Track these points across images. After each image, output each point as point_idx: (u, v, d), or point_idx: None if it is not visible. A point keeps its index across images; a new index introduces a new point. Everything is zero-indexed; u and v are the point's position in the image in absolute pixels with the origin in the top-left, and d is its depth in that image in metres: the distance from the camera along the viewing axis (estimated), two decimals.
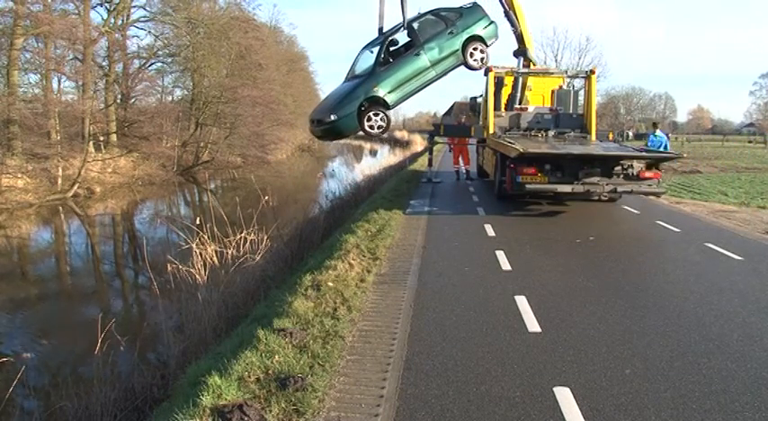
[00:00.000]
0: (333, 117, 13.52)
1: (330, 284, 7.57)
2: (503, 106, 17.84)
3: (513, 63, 17.88)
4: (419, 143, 54.63)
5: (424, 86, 14.49)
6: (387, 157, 43.84)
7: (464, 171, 22.04)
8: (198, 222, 12.01)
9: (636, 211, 14.52)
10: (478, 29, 14.65)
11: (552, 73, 20.25)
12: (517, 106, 17.58)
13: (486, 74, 16.80)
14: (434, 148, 24.59)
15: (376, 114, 13.61)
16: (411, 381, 5.01)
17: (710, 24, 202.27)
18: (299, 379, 4.83)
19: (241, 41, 41.61)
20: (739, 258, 9.69)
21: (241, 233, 12.19)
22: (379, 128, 13.77)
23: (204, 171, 37.04)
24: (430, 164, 22.67)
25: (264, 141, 44.55)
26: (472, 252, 10.06)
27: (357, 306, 6.90)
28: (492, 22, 14.99)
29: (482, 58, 14.74)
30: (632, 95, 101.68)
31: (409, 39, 14.54)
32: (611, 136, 18.39)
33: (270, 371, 5.03)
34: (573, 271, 8.76)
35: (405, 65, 13.94)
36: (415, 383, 4.97)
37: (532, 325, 6.31)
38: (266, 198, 13.65)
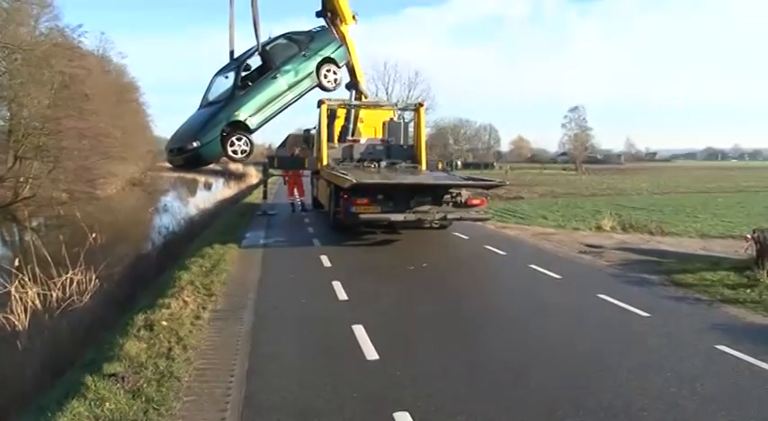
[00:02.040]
0: (195, 144, 13.00)
1: (164, 323, 7.20)
2: (336, 138, 18.01)
3: (345, 95, 18.19)
4: (254, 175, 53.98)
5: (284, 109, 14.38)
6: (222, 190, 42.95)
7: (299, 202, 21.97)
8: (17, 264, 11.00)
9: (465, 237, 15.17)
10: (330, 51, 14.86)
11: (383, 105, 20.84)
12: (350, 138, 17.84)
13: (318, 106, 16.96)
14: (269, 181, 24.38)
15: (239, 139, 13.31)
16: (251, 419, 4.85)
17: (529, 62, 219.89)
18: None
19: (65, 70, 39.00)
20: (558, 277, 10.39)
21: (67, 273, 11.30)
22: (242, 152, 13.45)
23: (25, 208, 34.08)
24: (265, 196, 22.41)
25: (92, 176, 41.87)
26: (309, 283, 9.99)
27: (193, 344, 6.61)
28: (341, 44, 15.30)
29: (335, 80, 14.95)
30: (460, 126, 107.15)
31: (264, 62, 14.39)
32: (440, 166, 19.11)
33: None
34: (408, 297, 8.95)
35: (263, 88, 13.78)
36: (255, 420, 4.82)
37: (370, 353, 6.33)
38: (94, 235, 12.77)
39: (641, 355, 6.32)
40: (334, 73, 14.88)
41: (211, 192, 46.89)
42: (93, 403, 4.94)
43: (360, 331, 7.05)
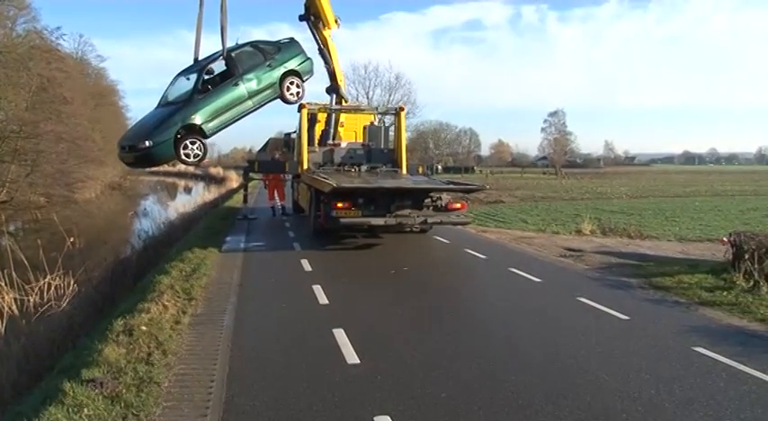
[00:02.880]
0: (148, 143, 12.91)
1: (143, 328, 7.13)
2: (316, 142, 17.96)
3: (326, 99, 18.17)
4: (234, 180, 53.74)
5: (241, 117, 14.31)
6: (202, 194, 42.58)
7: (279, 207, 21.90)
8: None
9: (446, 241, 15.20)
10: (295, 64, 14.84)
11: (364, 110, 20.86)
12: (330, 142, 17.81)
13: (299, 110, 16.92)
14: (250, 185, 24.27)
15: (193, 143, 13.23)
16: None
17: (509, 67, 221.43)
18: None
19: (43, 73, 38.58)
20: (538, 280, 10.45)
21: (45, 278, 11.16)
22: (195, 156, 13.39)
23: (1, 212, 33.62)
24: (245, 200, 22.31)
25: (71, 179, 41.45)
26: (289, 288, 9.96)
27: (173, 349, 6.56)
28: (308, 58, 15.25)
29: (298, 93, 14.89)
30: (440, 131, 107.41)
31: (227, 68, 14.30)
32: (420, 170, 19.14)
33: None
34: (389, 301, 8.94)
35: (223, 94, 13.69)
36: None
37: (351, 357, 6.32)
38: (71, 239, 12.61)
39: (620, 358, 6.37)
40: (298, 86, 14.91)
41: (191, 196, 46.54)
42: (70, 409, 4.88)
43: (340, 335, 7.03)
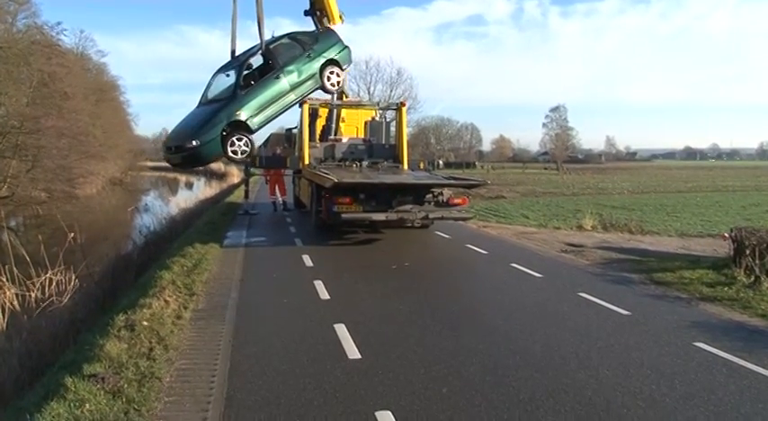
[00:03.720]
0: (195, 143, 12.77)
1: (145, 323, 7.15)
2: (317, 137, 17.99)
3: (327, 95, 18.13)
4: (236, 175, 53.77)
5: (284, 110, 14.23)
6: (203, 190, 42.68)
7: (281, 202, 21.93)
8: None
9: (447, 236, 15.21)
10: (334, 53, 14.70)
11: (365, 105, 20.79)
12: (331, 137, 17.82)
13: (300, 105, 16.90)
14: (251, 180, 24.28)
15: (239, 139, 13.09)
16: (233, 419, 4.83)
17: (510, 61, 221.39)
18: None
19: (44, 68, 38.48)
20: (539, 276, 10.46)
21: (46, 274, 11.16)
22: (242, 152, 13.24)
23: (2, 207, 33.59)
24: (247, 196, 22.34)
25: (72, 175, 41.37)
26: (291, 283, 9.96)
27: (174, 344, 6.57)
28: (346, 46, 15.11)
29: (338, 82, 14.79)
30: (441, 126, 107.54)
31: (267, 62, 14.15)
32: (422, 165, 19.11)
33: None
34: (390, 296, 8.95)
35: (265, 88, 13.56)
36: (236, 420, 4.80)
37: (352, 352, 6.33)
38: (73, 235, 12.60)
39: (621, 353, 6.38)
40: (338, 75, 14.72)
41: (193, 192, 46.60)
42: (72, 404, 4.89)
43: (342, 330, 7.05)
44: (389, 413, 4.85)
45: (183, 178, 72.85)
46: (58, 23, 49.02)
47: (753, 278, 9.37)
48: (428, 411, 4.91)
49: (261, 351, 6.46)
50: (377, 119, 18.98)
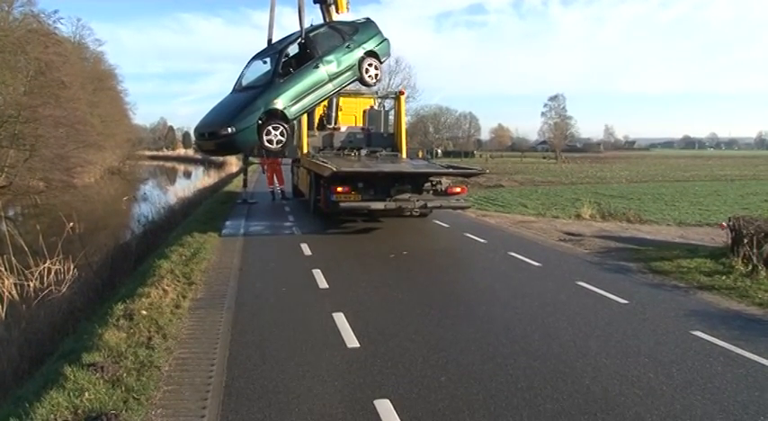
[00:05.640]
0: (231, 130, 12.46)
1: (144, 312, 7.16)
2: (316, 126, 17.93)
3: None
4: (234, 164, 53.73)
5: (322, 100, 14.06)
6: (201, 179, 42.60)
7: (279, 191, 21.90)
8: None
9: (446, 225, 15.21)
10: (373, 44, 14.42)
11: (363, 94, 20.73)
12: (330, 126, 17.77)
13: None
14: (249, 169, 24.26)
15: (275, 128, 12.75)
16: (232, 407, 4.84)
17: (510, 50, 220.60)
18: (111, 415, 4.51)
19: (41, 57, 38.32)
20: (538, 264, 10.48)
21: (45, 263, 11.17)
22: (278, 142, 12.93)
23: (0, 197, 33.59)
24: (245, 184, 22.30)
25: (70, 164, 41.29)
26: (289, 272, 9.98)
27: (173, 333, 6.59)
28: (385, 38, 14.84)
29: (376, 75, 14.51)
30: (440, 115, 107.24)
31: (305, 50, 13.89)
32: (420, 154, 19.14)
33: (79, 411, 4.66)
34: (388, 285, 8.96)
35: (304, 77, 13.24)
36: (236, 409, 4.81)
37: (351, 341, 6.35)
38: (71, 224, 12.58)
39: (619, 341, 6.40)
40: (376, 68, 14.41)
41: (191, 181, 46.54)
42: (71, 393, 4.90)
43: (340, 319, 7.06)
44: (388, 401, 4.87)
45: (181, 167, 72.93)
46: (55, 12, 48.87)
47: (750, 267, 9.39)
48: (426, 399, 4.92)
49: (260, 340, 6.47)
50: (375, 107, 18.94)
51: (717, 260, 10.11)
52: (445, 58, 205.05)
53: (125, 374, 5.34)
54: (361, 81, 14.43)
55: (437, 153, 77.64)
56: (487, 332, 6.72)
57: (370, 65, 14.26)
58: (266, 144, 12.89)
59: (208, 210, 18.64)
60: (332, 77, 13.64)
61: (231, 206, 19.72)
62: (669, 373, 5.48)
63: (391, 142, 17.14)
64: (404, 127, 17.48)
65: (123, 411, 4.64)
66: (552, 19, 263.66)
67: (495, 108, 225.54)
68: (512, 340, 6.43)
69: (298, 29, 13.70)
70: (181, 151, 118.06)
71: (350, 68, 13.96)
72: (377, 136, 17.34)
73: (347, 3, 16.10)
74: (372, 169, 13.62)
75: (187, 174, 65.02)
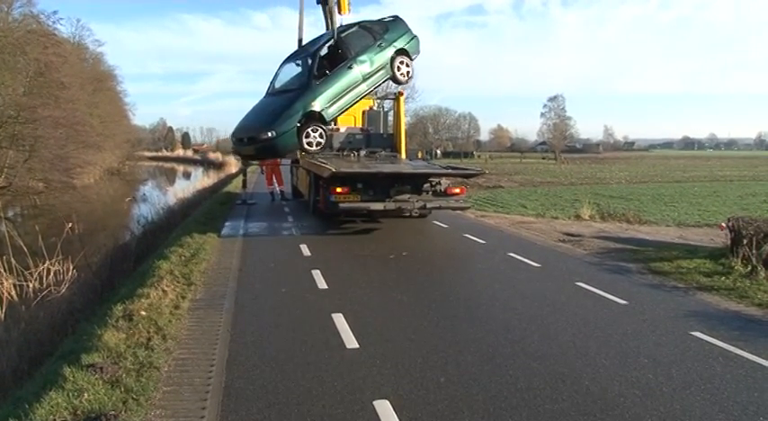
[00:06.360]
0: (271, 134, 12.52)
1: (143, 313, 7.15)
2: None
3: None
4: (233, 165, 53.73)
5: (357, 101, 14.06)
6: (201, 180, 42.57)
7: (278, 191, 21.89)
8: None
9: (445, 226, 15.21)
10: (404, 42, 14.44)
11: None
12: (329, 127, 17.74)
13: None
14: (248, 170, 24.25)
15: (314, 130, 12.84)
16: (231, 408, 4.83)
17: (509, 51, 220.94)
18: (111, 416, 4.50)
19: (40, 58, 38.28)
20: (537, 265, 10.48)
21: (44, 264, 11.15)
22: (317, 144, 13.02)
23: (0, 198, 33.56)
24: (244, 185, 22.30)
25: (69, 165, 41.20)
26: (289, 273, 9.97)
27: (172, 334, 6.58)
28: (415, 36, 14.84)
29: (408, 73, 14.51)
30: (439, 116, 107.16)
31: (336, 51, 13.89)
32: (419, 154, 19.10)
33: (78, 412, 4.65)
34: (388, 286, 8.96)
35: (339, 78, 13.28)
36: (235, 409, 4.80)
37: (350, 341, 6.34)
38: (70, 225, 12.57)
39: (618, 342, 6.40)
40: (407, 65, 14.43)
41: (190, 182, 46.53)
42: (71, 394, 4.90)
43: (340, 320, 7.06)
44: (387, 402, 4.86)
45: (180, 168, 72.92)
46: (54, 12, 48.77)
47: (750, 268, 9.39)
48: (426, 400, 4.92)
49: (259, 340, 6.47)
50: (375, 108, 18.91)
51: (716, 261, 10.11)
52: (445, 58, 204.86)
53: (124, 375, 5.34)
54: (394, 79, 14.51)
55: (436, 154, 77.72)
56: (487, 333, 6.72)
57: (401, 63, 14.32)
58: (306, 146, 12.97)
59: (207, 211, 18.63)
60: (366, 77, 13.72)
61: (230, 207, 19.72)
62: (668, 374, 5.48)
63: (390, 143, 17.13)
64: (403, 128, 17.47)
65: (122, 412, 4.63)
66: (552, 20, 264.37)
67: (494, 109, 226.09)
68: (511, 341, 6.43)
69: (318, 29, 13.79)
70: (180, 152, 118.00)
71: (382, 67, 14.03)
72: (376, 136, 17.33)
73: (349, 3, 16.09)
74: (372, 170, 13.62)
75: (186, 175, 64.98)
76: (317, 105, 12.85)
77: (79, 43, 62.80)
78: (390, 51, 14.17)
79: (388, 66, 14.12)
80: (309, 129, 12.84)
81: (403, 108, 17.45)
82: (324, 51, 14.00)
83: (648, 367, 5.64)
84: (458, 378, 5.38)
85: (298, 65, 14.04)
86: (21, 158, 36.72)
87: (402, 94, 17.77)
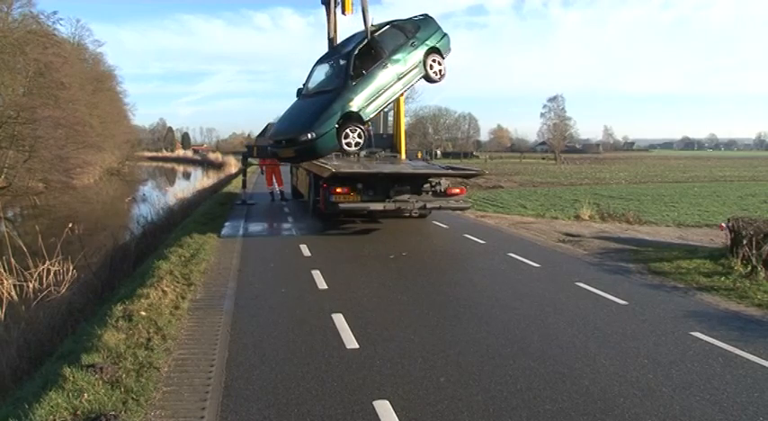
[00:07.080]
0: (311, 135, 12.52)
1: (143, 313, 7.15)
2: None
3: None
4: (233, 165, 53.70)
5: (392, 100, 14.10)
6: (201, 180, 42.55)
7: (278, 192, 21.90)
8: None
9: (445, 226, 15.21)
10: (435, 41, 14.43)
11: None
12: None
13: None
14: (248, 170, 24.26)
15: (353, 131, 12.85)
16: (231, 408, 4.83)
17: (509, 51, 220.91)
18: (111, 416, 4.50)
19: (40, 58, 38.30)
20: (537, 266, 10.47)
21: (44, 264, 11.16)
22: (356, 144, 13.02)
23: None
24: (244, 186, 22.31)
25: (69, 165, 41.24)
26: (288, 273, 9.97)
27: (172, 334, 6.58)
28: (446, 34, 14.83)
29: (440, 71, 14.48)
30: (439, 116, 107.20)
31: (369, 51, 13.77)
32: (419, 155, 19.10)
33: (78, 412, 4.64)
34: (387, 286, 8.97)
35: (375, 78, 13.28)
36: (235, 410, 4.80)
37: (350, 341, 6.34)
38: (70, 225, 12.58)
39: (618, 343, 6.40)
40: (439, 64, 14.42)
41: (190, 182, 46.54)
42: (71, 394, 4.89)
43: (339, 320, 7.06)
44: (387, 402, 4.86)
45: (180, 168, 72.93)
46: (54, 13, 48.81)
47: (749, 268, 9.39)
48: (426, 400, 4.92)
49: (259, 341, 6.47)
50: None
51: (716, 261, 10.11)
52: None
53: (124, 375, 5.33)
54: (427, 78, 14.44)
55: (436, 154, 77.71)
56: (487, 333, 6.72)
57: (434, 61, 14.31)
58: (345, 147, 12.96)
59: (207, 211, 18.63)
60: (400, 76, 13.72)
61: (230, 207, 19.72)
62: (668, 374, 5.48)
63: (390, 143, 17.13)
64: (403, 128, 17.47)
65: (122, 412, 4.63)
66: (552, 20, 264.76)
67: (494, 109, 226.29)
68: (511, 341, 6.43)
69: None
70: (180, 152, 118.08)
71: (416, 66, 14.02)
72: (376, 137, 17.31)
73: (353, 4, 16.09)
74: (371, 170, 13.62)
75: (186, 175, 64.99)
76: (354, 105, 12.89)
77: (79, 43, 62.87)
78: (423, 50, 14.16)
79: (421, 64, 14.13)
80: (348, 130, 12.87)
81: (403, 108, 17.45)
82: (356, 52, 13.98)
83: (648, 367, 5.64)
84: (458, 378, 5.38)
85: (331, 66, 14.06)
86: (21, 159, 36.76)
87: (401, 94, 17.78)
